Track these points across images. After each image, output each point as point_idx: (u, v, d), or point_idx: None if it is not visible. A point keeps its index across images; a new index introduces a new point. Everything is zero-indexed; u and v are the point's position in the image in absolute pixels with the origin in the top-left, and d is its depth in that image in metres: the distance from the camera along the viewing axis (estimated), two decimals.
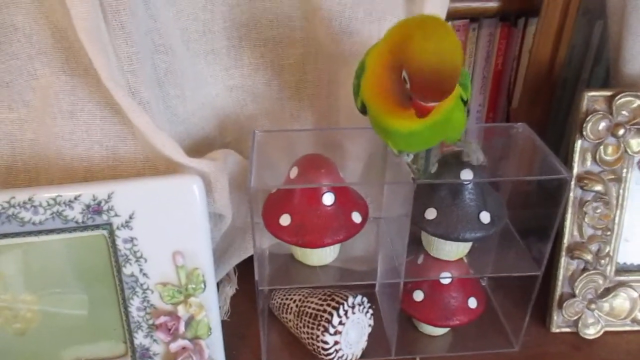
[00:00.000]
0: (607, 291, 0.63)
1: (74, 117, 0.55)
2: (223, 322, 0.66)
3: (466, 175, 0.52)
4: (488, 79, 0.74)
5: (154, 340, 0.56)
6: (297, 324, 0.61)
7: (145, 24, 0.52)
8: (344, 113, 0.63)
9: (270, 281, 0.58)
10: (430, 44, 0.38)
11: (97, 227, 0.52)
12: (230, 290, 0.69)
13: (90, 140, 0.56)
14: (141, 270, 0.53)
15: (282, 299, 0.64)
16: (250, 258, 0.62)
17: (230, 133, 0.64)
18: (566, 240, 0.61)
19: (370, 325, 0.62)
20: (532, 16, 0.68)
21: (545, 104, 0.69)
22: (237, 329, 0.65)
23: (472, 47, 0.71)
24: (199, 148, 0.62)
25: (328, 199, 0.52)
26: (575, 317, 0.63)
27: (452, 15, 0.67)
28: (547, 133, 0.73)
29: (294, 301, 0.62)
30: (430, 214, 0.54)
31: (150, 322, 0.55)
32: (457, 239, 0.53)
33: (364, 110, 0.48)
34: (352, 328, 0.59)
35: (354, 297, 0.59)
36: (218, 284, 0.69)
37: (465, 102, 0.48)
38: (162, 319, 0.54)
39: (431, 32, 0.39)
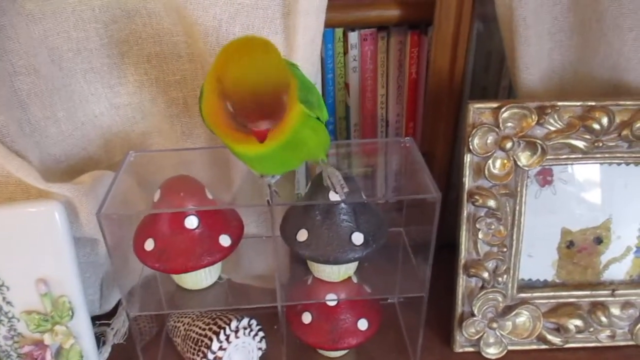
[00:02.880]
0: (509, 309, 0.60)
1: None
2: (119, 346, 0.64)
3: (335, 195, 0.50)
4: (404, 88, 0.72)
5: None
6: (183, 348, 0.59)
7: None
8: None
9: (144, 306, 0.56)
10: (242, 67, 0.37)
11: None
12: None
13: None
14: (4, 298, 0.52)
15: (174, 322, 0.62)
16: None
17: (118, 152, 0.63)
18: (462, 257, 0.59)
19: (260, 348, 0.60)
20: (429, 24, 0.66)
21: (451, 115, 0.67)
22: (131, 352, 0.63)
23: (383, 56, 0.69)
24: (81, 168, 0.60)
25: (191, 222, 0.50)
26: (477, 337, 0.61)
27: (354, 24, 0.65)
28: (456, 144, 0.71)
29: (183, 324, 0.60)
30: (302, 235, 0.51)
31: (20, 351, 0.53)
32: (327, 262, 0.51)
33: None
34: (236, 353, 0.57)
35: (239, 320, 0.57)
36: (117, 306, 0.67)
37: (318, 119, 0.47)
38: (26, 349, 0.53)
39: (245, 54, 0.37)
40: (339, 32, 0.67)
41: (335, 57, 0.68)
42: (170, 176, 0.60)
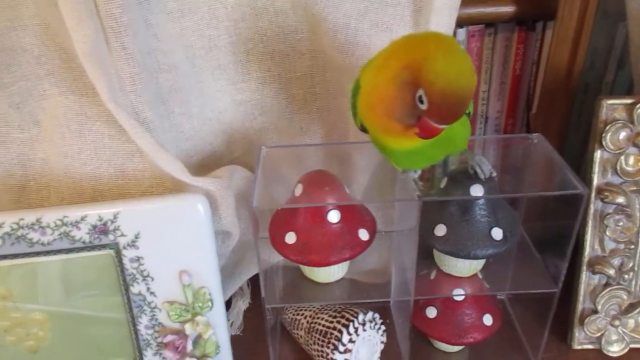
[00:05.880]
0: (632, 307, 0.60)
1: (82, 135, 0.56)
2: (235, 337, 0.66)
3: (476, 190, 0.50)
4: (506, 84, 0.72)
5: (163, 358, 0.56)
6: (307, 341, 0.60)
7: (147, 43, 0.52)
8: (354, 125, 0.62)
9: (278, 298, 0.57)
10: (453, 67, 0.38)
11: (103, 246, 0.52)
12: (244, 304, 0.68)
13: (99, 159, 0.56)
14: (148, 289, 0.53)
15: (293, 315, 0.63)
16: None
17: (238, 148, 0.64)
18: (587, 254, 0.59)
19: (382, 342, 0.60)
20: (549, 20, 0.66)
21: (564, 111, 0.66)
22: (249, 344, 0.65)
23: (488, 53, 0.69)
24: (207, 163, 0.62)
25: (333, 216, 0.51)
26: (598, 334, 0.61)
27: (466, 21, 0.65)
28: (568, 140, 0.70)
29: (305, 317, 0.61)
30: (440, 230, 0.52)
31: (159, 340, 0.55)
32: (467, 257, 0.52)
33: (364, 129, 0.47)
34: (363, 345, 0.58)
35: (365, 314, 0.58)
36: (231, 298, 0.69)
37: (468, 114, 0.47)
38: (169, 338, 0.54)
39: (452, 54, 0.38)
40: None
41: None
42: (288, 171, 0.62)
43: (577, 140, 0.72)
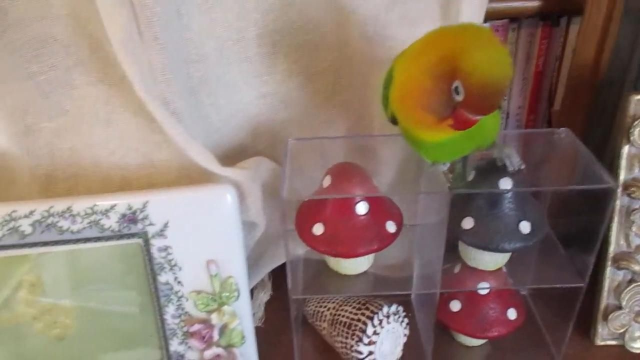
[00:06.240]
0: None
1: (110, 125, 0.56)
2: (257, 329, 0.66)
3: (505, 183, 0.50)
4: (528, 80, 0.72)
5: (189, 347, 0.56)
6: (331, 333, 0.60)
7: (179, 33, 0.53)
8: (379, 118, 0.62)
9: (303, 290, 0.58)
10: (490, 58, 0.38)
11: (132, 235, 0.52)
12: (265, 296, 0.69)
13: (126, 148, 0.57)
14: (176, 278, 0.54)
15: (316, 307, 0.63)
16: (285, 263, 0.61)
17: (263, 140, 0.64)
18: (612, 250, 0.59)
19: (405, 334, 0.61)
20: (574, 15, 0.66)
21: (588, 107, 0.66)
22: (271, 335, 0.65)
23: (511, 48, 0.70)
24: (232, 155, 0.62)
25: (361, 208, 0.52)
26: (622, 330, 0.61)
27: (491, 16, 0.65)
28: (590, 136, 0.70)
29: (328, 309, 0.61)
30: (467, 223, 0.52)
31: (185, 329, 0.55)
32: (495, 250, 0.52)
33: (394, 121, 0.47)
34: (387, 338, 0.58)
35: (389, 306, 0.58)
36: (252, 290, 0.69)
37: (499, 107, 0.47)
38: (196, 327, 0.54)
39: (489, 45, 0.39)
40: None
41: None
42: (312, 164, 0.62)
43: (599, 136, 0.72)
